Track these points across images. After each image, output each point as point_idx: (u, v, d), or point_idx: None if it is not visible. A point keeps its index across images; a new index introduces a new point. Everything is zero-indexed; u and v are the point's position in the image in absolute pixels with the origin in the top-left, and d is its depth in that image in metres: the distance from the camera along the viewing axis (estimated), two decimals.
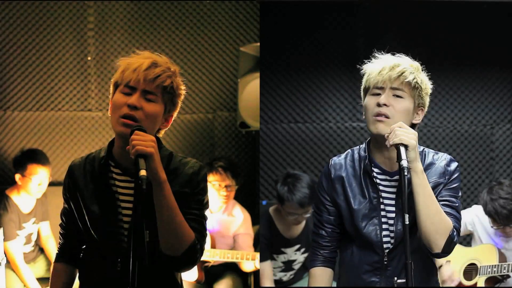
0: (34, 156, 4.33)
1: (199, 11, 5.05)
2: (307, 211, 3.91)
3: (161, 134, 2.28)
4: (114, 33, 4.98)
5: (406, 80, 2.27)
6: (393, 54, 2.36)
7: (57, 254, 2.37)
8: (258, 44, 4.60)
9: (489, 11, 4.81)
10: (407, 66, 2.29)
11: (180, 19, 5.04)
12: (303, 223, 4.08)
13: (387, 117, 2.26)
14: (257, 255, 4.12)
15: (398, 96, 2.28)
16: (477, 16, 4.85)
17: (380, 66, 2.30)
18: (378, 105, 2.26)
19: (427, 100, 2.35)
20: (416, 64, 2.33)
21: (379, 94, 2.29)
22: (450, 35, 4.88)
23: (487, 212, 3.86)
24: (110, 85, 2.22)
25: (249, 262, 4.13)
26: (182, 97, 2.24)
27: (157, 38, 5.02)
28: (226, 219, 4.32)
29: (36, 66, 4.93)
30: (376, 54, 2.37)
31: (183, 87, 2.23)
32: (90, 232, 2.22)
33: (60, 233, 2.37)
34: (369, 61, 2.37)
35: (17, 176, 4.28)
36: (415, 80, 2.28)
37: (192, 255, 2.12)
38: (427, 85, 2.34)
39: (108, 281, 2.17)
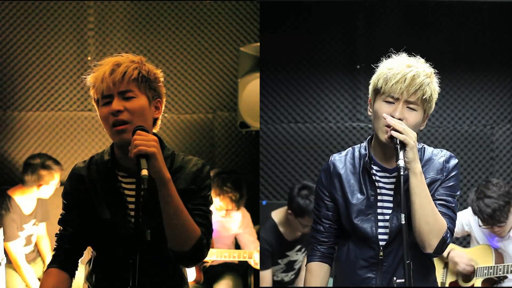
0: (48, 164, 4.32)
1: (199, 11, 5.05)
2: None
3: (157, 126, 2.28)
4: (114, 33, 4.98)
5: (424, 97, 2.25)
6: (409, 55, 2.33)
7: (51, 261, 2.30)
8: (258, 44, 4.60)
9: (489, 11, 4.82)
10: (424, 78, 2.25)
11: (180, 19, 5.04)
12: None
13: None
14: (254, 253, 4.13)
15: (411, 109, 2.26)
16: (477, 16, 4.86)
17: (398, 74, 2.25)
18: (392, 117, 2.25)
19: (433, 106, 2.34)
20: (430, 71, 2.29)
21: (392, 103, 2.27)
22: (450, 35, 4.88)
23: (473, 211, 3.83)
24: None
25: (250, 259, 4.15)
26: (161, 80, 2.26)
27: (157, 38, 5.02)
28: (223, 220, 4.33)
29: (36, 66, 4.93)
30: (393, 55, 2.34)
31: (157, 71, 2.25)
32: (100, 236, 2.23)
33: (56, 241, 2.31)
34: (385, 59, 2.34)
35: (42, 187, 4.29)
36: (429, 94, 2.26)
37: (199, 250, 2.15)
38: (436, 93, 2.32)
39: (121, 283, 2.17)
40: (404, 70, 2.25)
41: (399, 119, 2.24)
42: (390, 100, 2.27)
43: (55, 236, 2.33)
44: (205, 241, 2.16)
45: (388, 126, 2.25)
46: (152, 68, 2.24)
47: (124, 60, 2.18)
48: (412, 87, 2.24)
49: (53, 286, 2.24)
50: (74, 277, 2.31)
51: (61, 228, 2.30)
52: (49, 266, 2.29)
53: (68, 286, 2.27)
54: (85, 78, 2.24)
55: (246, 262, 4.25)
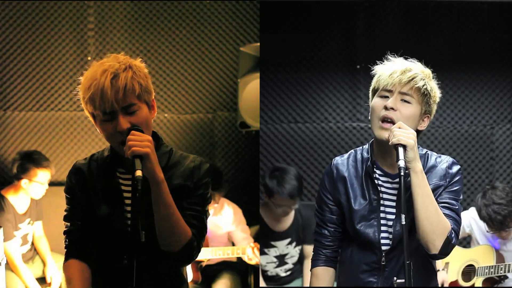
0: (38, 161, 4.31)
1: (199, 11, 5.05)
2: (295, 203, 4.03)
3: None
4: (114, 33, 4.98)
5: (416, 85, 2.26)
6: (406, 59, 2.35)
7: (67, 254, 2.29)
8: (258, 44, 4.60)
9: (489, 11, 4.82)
10: (418, 72, 2.28)
11: (180, 19, 5.04)
12: (291, 216, 4.15)
13: (392, 122, 2.25)
14: (247, 249, 4.14)
15: (405, 101, 2.27)
16: (477, 16, 4.85)
17: (391, 69, 2.29)
18: (385, 108, 2.26)
19: (434, 108, 2.35)
20: (428, 71, 2.32)
21: (387, 97, 2.28)
22: (450, 35, 4.88)
23: (482, 218, 3.83)
24: None
25: (244, 255, 4.17)
26: (149, 77, 2.19)
27: (157, 38, 5.02)
28: (215, 219, 4.35)
29: (36, 66, 4.93)
30: (389, 57, 2.36)
31: (145, 69, 2.18)
32: (98, 233, 2.22)
33: (66, 238, 2.29)
34: (381, 63, 2.36)
35: (24, 181, 4.27)
36: (424, 87, 2.27)
37: (189, 252, 2.15)
38: (436, 93, 2.33)
39: (116, 278, 2.17)
40: (397, 66, 2.30)
41: (391, 108, 2.25)
42: (385, 94, 2.29)
43: (64, 234, 2.30)
44: (196, 243, 2.16)
45: (383, 119, 2.26)
46: (140, 66, 2.16)
47: (116, 67, 2.09)
48: (405, 77, 2.26)
49: (79, 271, 2.22)
50: (92, 267, 2.28)
51: (69, 224, 2.28)
52: (67, 259, 2.28)
53: (89, 274, 2.25)
54: (77, 88, 2.18)
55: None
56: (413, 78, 2.26)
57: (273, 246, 4.15)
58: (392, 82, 2.26)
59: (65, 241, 2.31)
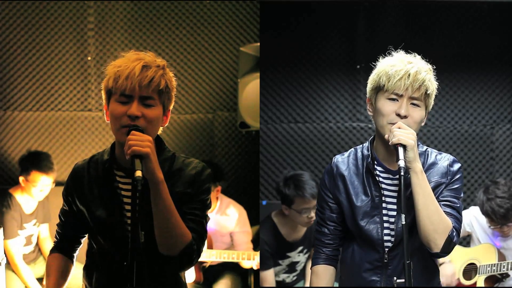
0: (39, 163, 4.27)
1: (199, 11, 5.05)
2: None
3: (160, 131, 2.24)
4: (114, 33, 4.98)
5: (428, 92, 2.27)
6: (407, 52, 2.34)
7: (53, 248, 2.41)
8: (258, 44, 4.60)
9: (489, 11, 4.82)
10: (425, 74, 2.26)
11: (180, 19, 5.04)
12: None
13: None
14: (253, 254, 4.13)
15: (415, 105, 2.27)
16: (477, 16, 4.86)
17: (402, 71, 2.26)
18: (399, 115, 2.25)
19: (432, 101, 2.35)
20: (428, 67, 2.31)
21: (395, 100, 2.27)
22: (450, 35, 4.88)
23: (484, 212, 3.85)
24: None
25: (246, 261, 4.16)
26: (175, 89, 2.22)
27: (157, 38, 5.02)
28: (220, 218, 4.34)
29: (36, 66, 4.93)
30: (392, 52, 2.35)
31: (174, 79, 2.21)
32: (96, 235, 2.22)
33: (57, 231, 2.39)
34: (383, 56, 2.35)
35: (21, 179, 4.29)
36: (432, 90, 2.28)
37: (188, 256, 2.13)
38: (435, 89, 2.33)
39: (116, 282, 2.17)
40: (406, 67, 2.26)
41: (404, 117, 2.25)
42: (394, 97, 2.27)
43: (56, 225, 2.39)
44: (195, 247, 2.14)
45: (392, 124, 2.26)
46: (171, 76, 2.20)
47: (151, 61, 2.13)
48: (416, 83, 2.25)
49: (59, 267, 2.34)
50: (73, 263, 2.41)
51: (61, 219, 2.37)
52: (51, 252, 2.40)
53: (70, 268, 2.39)
54: (105, 67, 2.17)
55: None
56: (423, 83, 2.25)
57: (288, 257, 4.12)
58: (403, 87, 2.24)
59: (55, 236, 2.40)
